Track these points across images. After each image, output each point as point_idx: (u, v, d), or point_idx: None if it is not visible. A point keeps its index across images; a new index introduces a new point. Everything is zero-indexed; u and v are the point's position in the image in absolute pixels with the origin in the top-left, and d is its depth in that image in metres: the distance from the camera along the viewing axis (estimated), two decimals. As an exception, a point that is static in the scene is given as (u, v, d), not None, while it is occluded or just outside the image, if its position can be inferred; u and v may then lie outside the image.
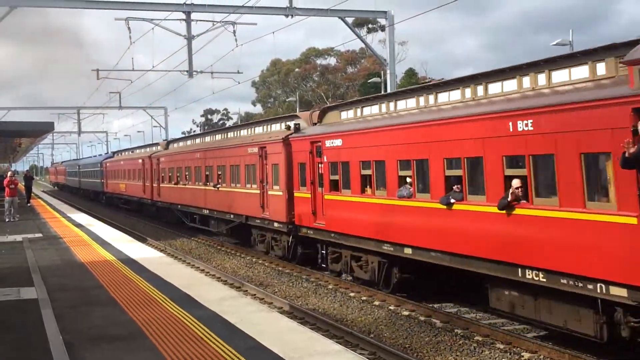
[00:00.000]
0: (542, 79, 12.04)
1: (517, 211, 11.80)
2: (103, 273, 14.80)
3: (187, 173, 33.80)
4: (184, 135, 48.50)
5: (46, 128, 32.71)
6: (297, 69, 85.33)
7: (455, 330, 13.47)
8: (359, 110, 18.53)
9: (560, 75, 11.68)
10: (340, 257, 19.02)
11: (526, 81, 12.41)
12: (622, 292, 9.93)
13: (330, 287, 18.64)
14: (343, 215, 17.89)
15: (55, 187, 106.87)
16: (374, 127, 16.71)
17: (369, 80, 62.01)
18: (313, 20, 29.92)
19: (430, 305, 15.71)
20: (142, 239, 28.22)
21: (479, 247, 12.82)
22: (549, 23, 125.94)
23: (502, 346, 12.27)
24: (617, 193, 9.95)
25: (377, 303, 16.27)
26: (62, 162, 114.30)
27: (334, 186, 18.50)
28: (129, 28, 29.14)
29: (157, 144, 45.55)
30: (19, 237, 22.66)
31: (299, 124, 21.63)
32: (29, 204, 40.62)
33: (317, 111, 21.34)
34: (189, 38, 29.10)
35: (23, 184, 47.99)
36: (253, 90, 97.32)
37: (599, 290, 10.30)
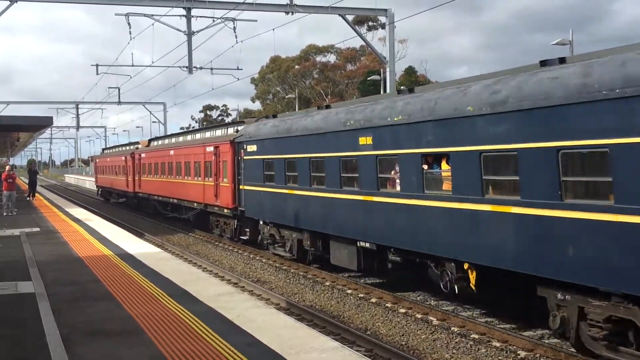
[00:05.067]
0: None
1: None
2: (100, 268, 14.81)
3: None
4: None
5: (45, 122, 32.66)
6: (296, 66, 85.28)
7: (452, 328, 13.50)
8: None
9: None
10: None
11: None
12: None
13: (327, 284, 18.65)
14: None
15: (120, 200, 49.51)
16: None
17: (369, 78, 62.04)
18: (309, 17, 29.98)
19: (427, 303, 15.74)
20: (139, 235, 28.22)
21: None
22: (544, 23, 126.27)
23: (498, 344, 12.29)
24: None
25: (374, 300, 16.28)
26: (202, 127, 50.45)
27: None
28: (129, 23, 29.21)
29: None
30: (16, 232, 22.67)
31: None
32: (28, 199, 40.52)
33: None
34: (189, 34, 29.18)
35: (27, 178, 47.77)
36: (252, 86, 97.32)
37: None
